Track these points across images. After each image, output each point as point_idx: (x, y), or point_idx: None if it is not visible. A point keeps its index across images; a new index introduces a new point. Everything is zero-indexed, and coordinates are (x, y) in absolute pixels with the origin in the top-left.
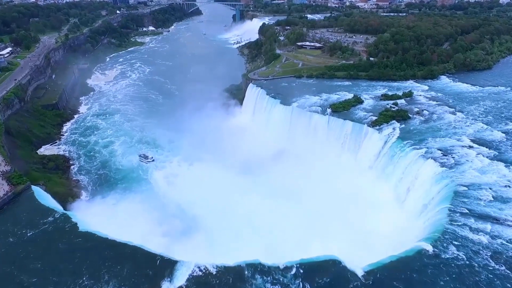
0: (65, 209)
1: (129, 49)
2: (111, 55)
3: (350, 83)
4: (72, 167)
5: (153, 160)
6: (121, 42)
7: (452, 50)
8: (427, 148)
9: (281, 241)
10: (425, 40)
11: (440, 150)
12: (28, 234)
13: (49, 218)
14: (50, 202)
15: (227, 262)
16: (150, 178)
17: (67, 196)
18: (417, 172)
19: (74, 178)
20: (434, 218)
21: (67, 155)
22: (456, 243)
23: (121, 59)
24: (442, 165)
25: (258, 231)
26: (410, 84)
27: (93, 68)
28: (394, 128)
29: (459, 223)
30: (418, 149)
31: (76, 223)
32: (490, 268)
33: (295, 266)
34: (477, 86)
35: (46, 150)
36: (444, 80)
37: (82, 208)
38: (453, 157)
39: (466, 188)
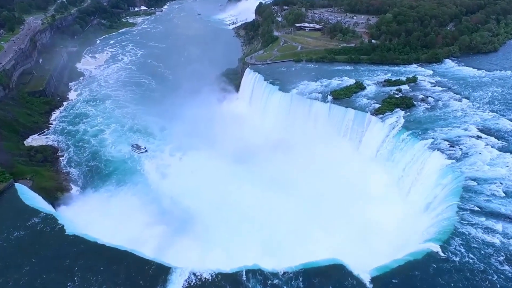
0: (53, 205)
1: (120, 31)
2: (102, 37)
3: (351, 67)
4: (61, 158)
5: (146, 151)
6: (112, 23)
7: (457, 31)
8: (433, 138)
9: (279, 238)
10: (429, 21)
11: (447, 140)
12: (9, 240)
13: (33, 220)
14: (35, 201)
15: (224, 267)
16: (142, 169)
17: (56, 191)
18: (422, 164)
19: (64, 171)
20: (441, 216)
21: (56, 145)
22: (466, 245)
23: (112, 41)
24: (449, 157)
25: (255, 226)
26: (414, 68)
27: (82, 51)
28: (398, 117)
29: (469, 222)
30: (423, 139)
31: (62, 226)
32: (505, 273)
33: (296, 271)
34: (483, 71)
35: (33, 140)
36: (449, 64)
37: (71, 204)
38: (461, 149)
39: (475, 183)
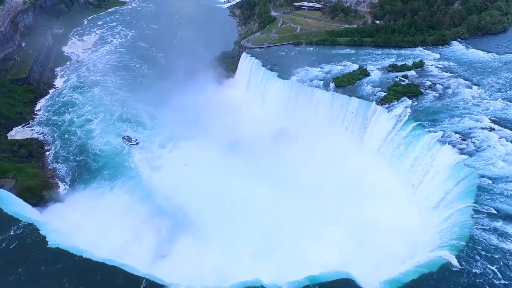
0: (39, 207)
1: (109, 10)
2: (89, 17)
3: (354, 51)
4: (47, 153)
5: (137, 143)
6: (100, 1)
7: (465, 10)
8: (443, 131)
9: (276, 237)
10: None
11: (458, 133)
12: None
13: (11, 232)
14: (15, 207)
15: (222, 283)
16: (133, 163)
17: (41, 190)
18: (432, 159)
19: (50, 167)
20: (455, 219)
21: (42, 138)
22: (485, 254)
23: (100, 22)
24: (461, 151)
25: (252, 223)
26: (419, 51)
27: (69, 33)
28: (405, 106)
29: (487, 227)
30: (433, 132)
31: (44, 237)
32: None
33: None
34: (493, 54)
35: (17, 133)
36: (457, 47)
37: (58, 205)
38: (473, 142)
39: (491, 181)
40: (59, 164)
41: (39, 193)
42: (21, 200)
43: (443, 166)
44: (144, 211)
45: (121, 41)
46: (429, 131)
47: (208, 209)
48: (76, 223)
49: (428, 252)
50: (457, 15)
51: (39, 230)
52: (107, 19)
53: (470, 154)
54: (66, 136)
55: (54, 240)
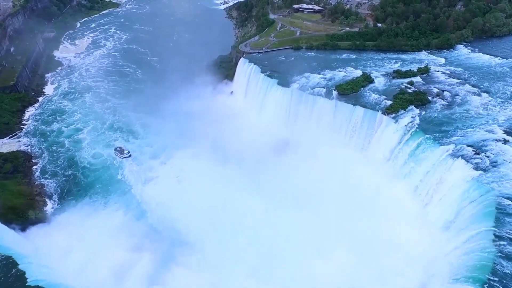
0: (24, 229)
1: (102, 12)
2: (82, 20)
3: (356, 55)
4: (35, 167)
5: (129, 156)
6: (93, 3)
7: (468, 13)
8: (455, 143)
9: (278, 256)
10: (438, 1)
11: (471, 146)
12: None
13: None
14: None
15: None
16: (124, 178)
17: (27, 209)
18: (443, 174)
19: (37, 183)
20: (473, 244)
21: (29, 151)
22: None
23: (93, 25)
24: (476, 167)
25: (250, 240)
26: (424, 56)
27: (61, 37)
28: (413, 116)
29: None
30: (444, 144)
31: (24, 273)
32: None
33: None
34: (499, 58)
35: (3, 145)
36: (462, 51)
37: (44, 227)
38: (487, 156)
39: (510, 202)
40: (47, 180)
41: (24, 213)
42: (1, 224)
43: (456, 182)
44: (137, 232)
45: (115, 45)
46: (440, 144)
47: (203, 226)
48: (64, 247)
49: (446, 285)
50: (461, 17)
51: (18, 265)
52: (100, 21)
53: (485, 170)
54: (54, 148)
55: (35, 275)
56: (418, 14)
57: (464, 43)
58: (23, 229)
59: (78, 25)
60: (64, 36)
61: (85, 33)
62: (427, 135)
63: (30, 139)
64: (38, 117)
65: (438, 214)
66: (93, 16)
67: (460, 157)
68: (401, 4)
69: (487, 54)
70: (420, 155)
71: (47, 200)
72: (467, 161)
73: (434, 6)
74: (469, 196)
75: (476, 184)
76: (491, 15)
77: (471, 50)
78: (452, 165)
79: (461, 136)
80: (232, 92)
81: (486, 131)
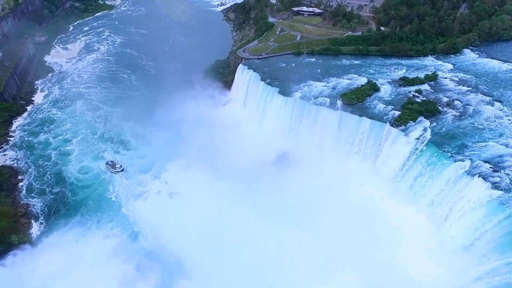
0: (4, 257)
1: (96, 15)
2: (75, 23)
3: (359, 61)
4: (20, 184)
5: (122, 170)
6: (87, 5)
7: (474, 15)
8: (470, 159)
9: (278, 279)
10: (442, 3)
11: (488, 162)
12: None
13: None
14: None
15: None
16: (116, 194)
17: (10, 233)
18: (459, 194)
19: (23, 202)
20: (499, 277)
21: (15, 165)
22: None
23: (86, 28)
24: (495, 186)
25: (249, 262)
26: (430, 61)
27: (52, 41)
28: (424, 129)
29: None
30: (458, 160)
31: None
32: None
33: None
34: (509, 63)
35: None
36: (469, 55)
37: (28, 254)
38: (507, 174)
39: None
40: (33, 199)
41: (6, 239)
42: None
43: (474, 203)
44: (130, 258)
45: (109, 48)
46: (454, 160)
47: (199, 249)
48: (49, 276)
49: None
50: (467, 20)
51: None
52: (94, 24)
53: (506, 190)
54: (40, 162)
55: None
56: (422, 17)
57: (471, 47)
58: (4, 256)
59: (71, 28)
60: (56, 40)
61: (78, 36)
62: (440, 150)
63: (16, 152)
64: (26, 127)
65: (455, 238)
66: (87, 18)
67: (477, 175)
68: (404, 7)
69: (496, 59)
70: (433, 171)
71: (32, 221)
72: (485, 180)
73: (438, 8)
74: (491, 220)
75: (498, 206)
76: (498, 18)
77: (479, 54)
78: (469, 183)
79: (476, 151)
80: (230, 100)
81: (502, 144)
